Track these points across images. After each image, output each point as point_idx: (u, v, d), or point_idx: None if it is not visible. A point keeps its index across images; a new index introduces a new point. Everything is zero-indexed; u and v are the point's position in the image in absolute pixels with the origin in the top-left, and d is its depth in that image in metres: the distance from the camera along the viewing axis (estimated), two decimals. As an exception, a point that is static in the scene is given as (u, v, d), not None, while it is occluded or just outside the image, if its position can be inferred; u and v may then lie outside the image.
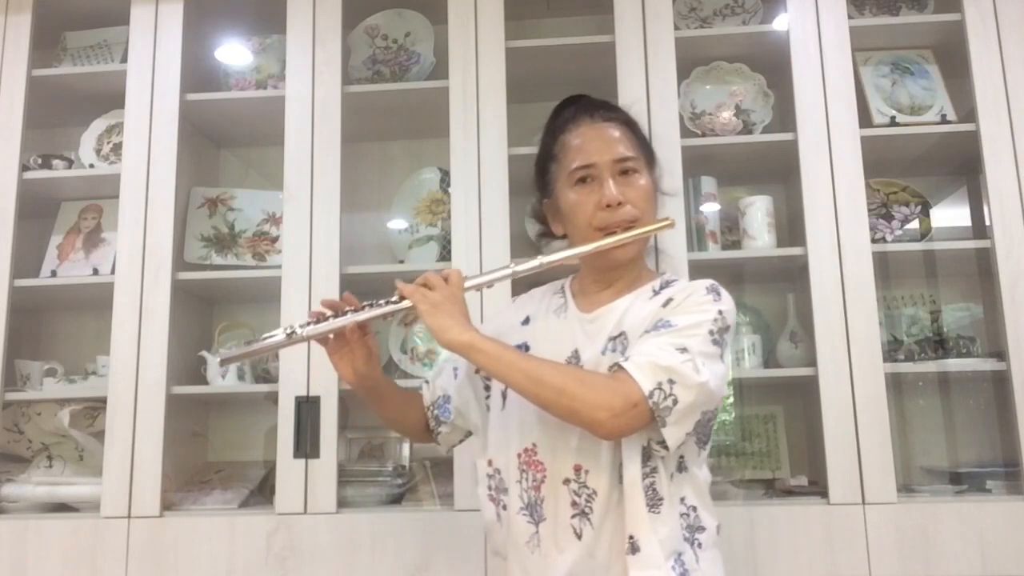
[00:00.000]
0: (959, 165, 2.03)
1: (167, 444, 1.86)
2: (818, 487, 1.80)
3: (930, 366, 1.93)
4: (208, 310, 2.23)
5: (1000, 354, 1.80)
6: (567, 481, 1.18)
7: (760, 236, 1.92)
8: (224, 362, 1.26)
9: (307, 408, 1.83)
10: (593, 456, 1.17)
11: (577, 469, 1.17)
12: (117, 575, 1.80)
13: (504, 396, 1.28)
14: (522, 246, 2.03)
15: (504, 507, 1.25)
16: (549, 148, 1.32)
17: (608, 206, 1.22)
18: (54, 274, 2.08)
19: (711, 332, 1.15)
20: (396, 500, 1.93)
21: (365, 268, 1.99)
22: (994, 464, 1.87)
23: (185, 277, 1.97)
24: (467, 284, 1.22)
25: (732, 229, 2.02)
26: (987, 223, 1.84)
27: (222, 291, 2.17)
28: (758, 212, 1.93)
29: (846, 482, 1.72)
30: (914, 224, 1.98)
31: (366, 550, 1.77)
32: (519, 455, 1.23)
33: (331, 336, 1.24)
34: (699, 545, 1.18)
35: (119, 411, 1.86)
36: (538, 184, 1.35)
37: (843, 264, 1.79)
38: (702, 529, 1.19)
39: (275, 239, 2.11)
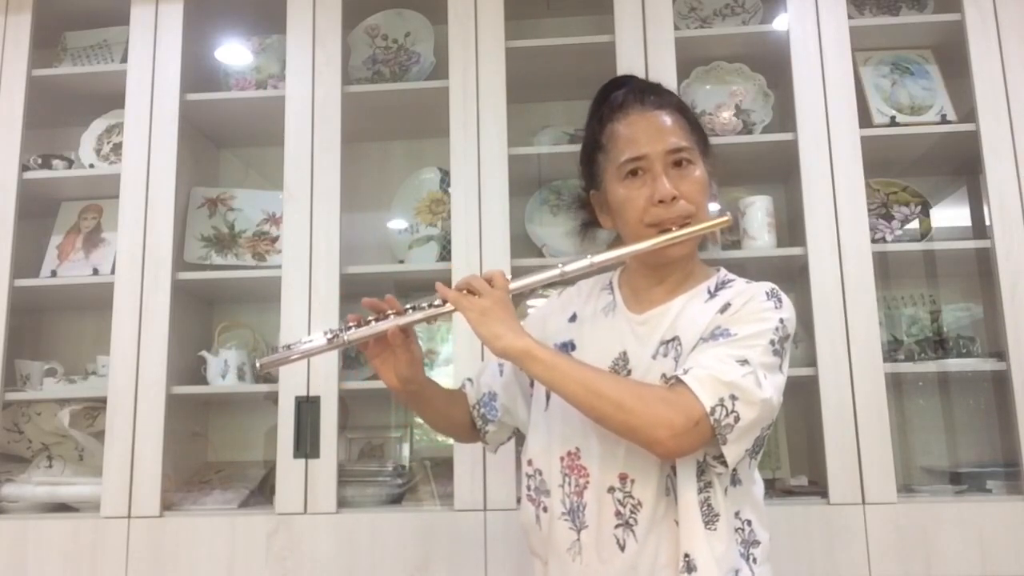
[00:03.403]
0: (959, 165, 2.03)
1: (167, 444, 1.86)
2: (818, 487, 1.80)
3: (930, 366, 1.93)
4: (208, 310, 2.23)
5: (1000, 354, 1.80)
6: (612, 489, 1.13)
7: (760, 236, 1.92)
8: (264, 367, 1.21)
9: (307, 408, 1.83)
10: (641, 466, 1.12)
11: (623, 478, 1.13)
12: (117, 575, 1.80)
13: (548, 396, 1.22)
14: (522, 246, 2.03)
15: (544, 509, 1.20)
16: (596, 137, 1.24)
17: (661, 201, 1.15)
18: (54, 274, 2.08)
19: (772, 342, 1.10)
20: (396, 500, 1.93)
21: (365, 268, 1.99)
22: (994, 464, 1.87)
23: (185, 277, 1.97)
24: (512, 286, 1.16)
25: (732, 229, 2.01)
26: (987, 223, 1.84)
27: (222, 291, 2.17)
28: (758, 212, 1.93)
29: (846, 482, 1.72)
30: (914, 224, 1.98)
31: (366, 550, 1.77)
32: (562, 459, 1.18)
33: (373, 341, 1.19)
34: (754, 560, 1.13)
35: (119, 411, 1.87)
36: (584, 175, 1.28)
37: (843, 264, 1.79)
38: (757, 543, 1.14)
39: (275, 239, 2.11)
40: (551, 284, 1.20)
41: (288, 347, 1.21)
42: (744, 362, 1.06)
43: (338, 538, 1.78)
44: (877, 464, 1.71)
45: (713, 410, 1.04)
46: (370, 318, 1.19)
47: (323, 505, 1.79)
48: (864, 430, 1.73)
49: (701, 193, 1.19)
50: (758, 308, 1.13)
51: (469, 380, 1.39)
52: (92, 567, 1.81)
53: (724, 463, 1.07)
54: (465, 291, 1.15)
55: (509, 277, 1.18)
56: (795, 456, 2.01)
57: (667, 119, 1.20)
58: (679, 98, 1.27)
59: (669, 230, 1.16)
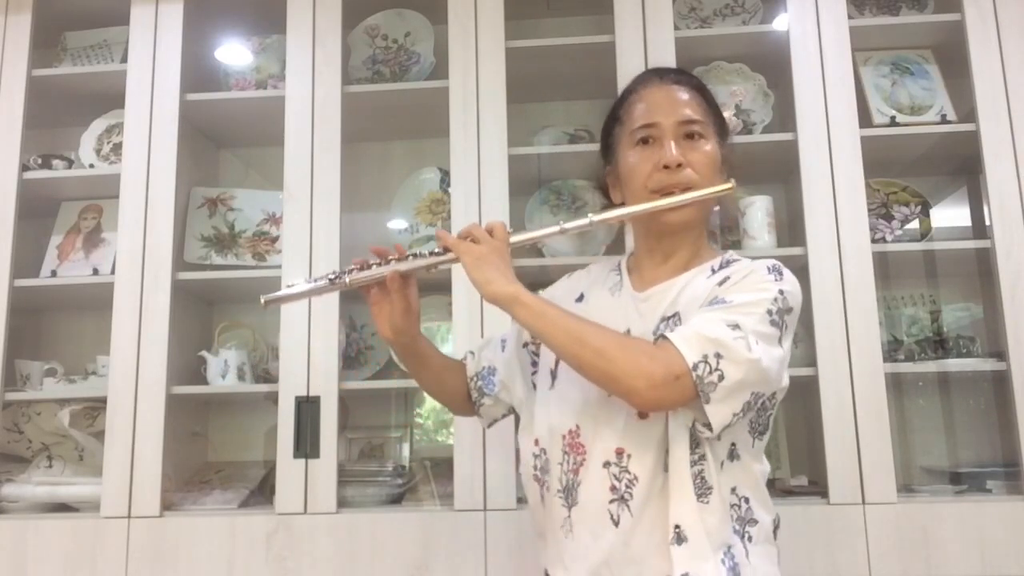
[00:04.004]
0: (959, 165, 2.03)
1: (167, 444, 1.85)
2: (818, 487, 1.80)
3: (930, 366, 1.93)
4: (208, 310, 2.23)
5: (1000, 354, 1.80)
6: (607, 464, 1.12)
7: (760, 236, 1.92)
8: (268, 303, 1.22)
9: (307, 408, 1.83)
10: (638, 440, 1.11)
11: (619, 452, 1.12)
12: (117, 575, 1.80)
13: (553, 375, 1.23)
14: (521, 246, 2.03)
15: (547, 488, 1.20)
16: (615, 111, 1.27)
17: (666, 167, 1.16)
18: (54, 274, 2.08)
19: (769, 312, 1.08)
20: (396, 500, 1.93)
21: (365, 268, 1.98)
22: (994, 464, 1.87)
23: (185, 277, 1.97)
24: (512, 239, 1.18)
25: (732, 229, 2.02)
26: (987, 223, 1.85)
27: (222, 291, 2.17)
28: (758, 212, 1.93)
29: (846, 482, 1.72)
30: (914, 224, 1.98)
31: (366, 550, 1.77)
32: (563, 436, 1.18)
33: (374, 288, 1.21)
34: (749, 539, 1.12)
35: (119, 411, 1.86)
36: (602, 150, 1.30)
37: (843, 264, 1.79)
38: (754, 522, 1.13)
39: (275, 239, 2.11)
40: (555, 278, 1.20)
41: (291, 286, 1.23)
42: (736, 327, 1.05)
43: (338, 538, 1.78)
44: (877, 464, 1.71)
45: (696, 366, 1.02)
46: (372, 263, 1.20)
47: (323, 505, 1.79)
48: (864, 430, 1.73)
49: (708, 166, 1.19)
50: (756, 280, 1.12)
51: (471, 352, 1.39)
52: (92, 567, 1.81)
53: (710, 427, 1.05)
54: (468, 239, 1.17)
55: (511, 230, 1.19)
56: (795, 456, 2.01)
57: (683, 94, 1.22)
58: (700, 80, 1.28)
59: (671, 195, 1.17)
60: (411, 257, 1.19)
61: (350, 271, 1.20)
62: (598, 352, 1.06)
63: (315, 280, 1.22)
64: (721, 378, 1.03)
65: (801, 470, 1.96)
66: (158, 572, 1.80)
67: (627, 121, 1.23)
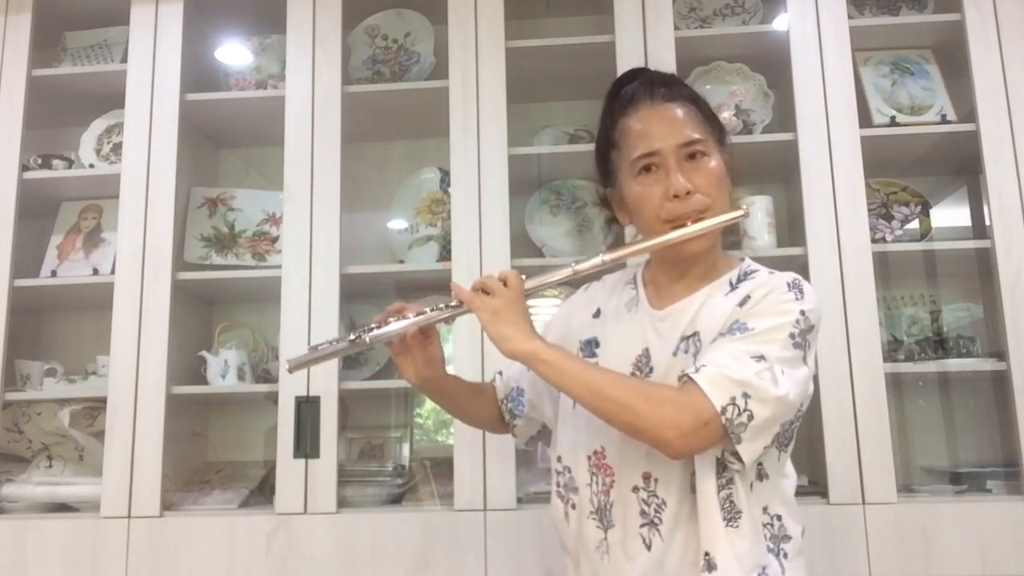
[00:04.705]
0: (959, 165, 2.03)
1: (167, 444, 1.86)
2: (818, 487, 1.80)
3: (930, 366, 1.93)
4: (208, 310, 2.23)
5: (1000, 354, 1.80)
6: (636, 489, 1.13)
7: (760, 236, 1.92)
8: (292, 369, 1.25)
9: (307, 408, 1.83)
10: (664, 465, 1.11)
11: (647, 477, 1.13)
12: (117, 575, 1.80)
13: None
14: (522, 246, 2.03)
15: (573, 506, 1.21)
16: (608, 134, 1.23)
17: (676, 196, 1.14)
18: (54, 274, 2.08)
19: (792, 335, 1.07)
20: (396, 500, 1.93)
21: (365, 268, 1.99)
22: (994, 464, 1.87)
23: (185, 277, 1.97)
24: (527, 286, 1.17)
25: (732, 229, 2.01)
26: (987, 223, 1.85)
27: (222, 291, 2.17)
28: (758, 212, 1.93)
29: (846, 482, 1.72)
30: (914, 224, 1.98)
31: (366, 550, 1.77)
32: (588, 457, 1.18)
33: (396, 340, 1.22)
34: (784, 555, 1.12)
35: (119, 411, 1.87)
36: (599, 172, 1.28)
37: (843, 264, 1.79)
38: (788, 538, 1.13)
39: (275, 239, 2.11)
40: (564, 283, 1.21)
41: (315, 348, 1.25)
42: (760, 358, 1.04)
43: (338, 538, 1.78)
44: (877, 464, 1.71)
45: (724, 409, 1.02)
46: (391, 319, 1.21)
47: (323, 505, 1.79)
48: (864, 430, 1.73)
49: (716, 185, 1.17)
50: (777, 300, 1.10)
51: (499, 373, 1.40)
52: (92, 567, 1.81)
53: (741, 460, 1.05)
54: (480, 291, 1.16)
55: (524, 277, 1.18)
56: (795, 456, 1.97)
57: (679, 111, 1.18)
58: (691, 89, 1.25)
59: (684, 225, 1.15)
60: (429, 312, 1.20)
61: (369, 329, 1.21)
62: (623, 406, 1.05)
63: (336, 341, 1.23)
64: (751, 418, 1.03)
65: (801, 470, 1.93)
66: (158, 572, 1.80)
67: (624, 148, 1.20)
